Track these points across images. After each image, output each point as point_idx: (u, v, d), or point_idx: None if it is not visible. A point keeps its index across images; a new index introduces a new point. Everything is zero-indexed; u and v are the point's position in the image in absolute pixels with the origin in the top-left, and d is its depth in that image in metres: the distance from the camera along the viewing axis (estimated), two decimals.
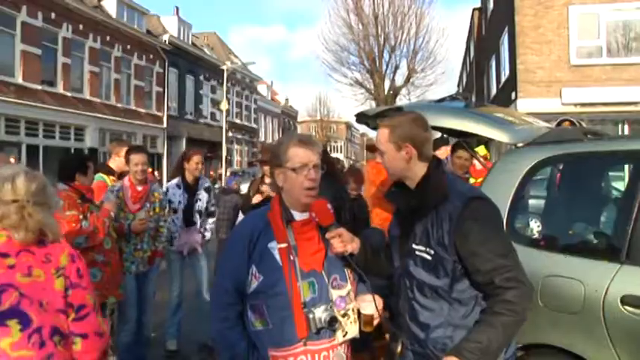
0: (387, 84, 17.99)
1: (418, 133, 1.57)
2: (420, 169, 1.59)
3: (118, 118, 20.01)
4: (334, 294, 1.53)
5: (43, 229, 1.48)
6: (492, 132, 2.43)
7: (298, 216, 1.59)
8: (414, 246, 1.56)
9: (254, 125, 36.61)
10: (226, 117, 27.76)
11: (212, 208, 4.19)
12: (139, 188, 3.45)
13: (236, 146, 33.18)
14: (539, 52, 12.26)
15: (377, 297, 1.55)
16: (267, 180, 3.83)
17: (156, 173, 22.05)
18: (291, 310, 1.47)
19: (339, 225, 1.58)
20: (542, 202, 3.08)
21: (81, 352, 1.47)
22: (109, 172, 3.84)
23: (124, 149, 3.73)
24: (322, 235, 1.58)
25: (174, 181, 4.07)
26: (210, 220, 4.18)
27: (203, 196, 4.10)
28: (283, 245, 1.52)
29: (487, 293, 1.45)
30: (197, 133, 27.23)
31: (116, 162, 3.89)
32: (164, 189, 4.08)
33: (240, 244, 1.55)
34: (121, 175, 3.84)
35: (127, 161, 3.46)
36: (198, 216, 4.05)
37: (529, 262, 1.71)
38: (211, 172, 23.66)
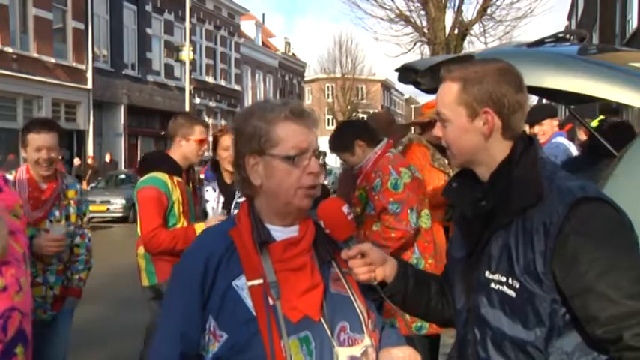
0: (449, 18, 17.76)
1: (506, 93, 1.58)
2: (500, 150, 1.62)
3: (6, 72, 19.96)
4: (342, 354, 1.55)
5: None
6: (628, 94, 2.41)
7: (279, 233, 1.61)
8: (487, 275, 1.58)
9: (235, 86, 36.98)
10: (191, 73, 28.03)
11: None
12: (44, 186, 3.48)
13: (207, 119, 33.46)
14: None
15: (412, 351, 1.58)
16: (226, 165, 3.99)
17: (76, 161, 22.27)
18: None
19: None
20: None
21: None
22: (175, 169, 3.70)
23: (197, 128, 3.72)
24: (320, 260, 1.61)
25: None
26: None
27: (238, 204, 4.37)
28: (257, 282, 1.55)
29: (611, 357, 1.45)
30: (144, 99, 27.64)
31: (183, 150, 3.75)
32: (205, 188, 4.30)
33: (188, 284, 1.57)
34: (189, 170, 3.88)
35: (25, 144, 3.39)
36: None
37: None
38: (85, 161, 22.47)
